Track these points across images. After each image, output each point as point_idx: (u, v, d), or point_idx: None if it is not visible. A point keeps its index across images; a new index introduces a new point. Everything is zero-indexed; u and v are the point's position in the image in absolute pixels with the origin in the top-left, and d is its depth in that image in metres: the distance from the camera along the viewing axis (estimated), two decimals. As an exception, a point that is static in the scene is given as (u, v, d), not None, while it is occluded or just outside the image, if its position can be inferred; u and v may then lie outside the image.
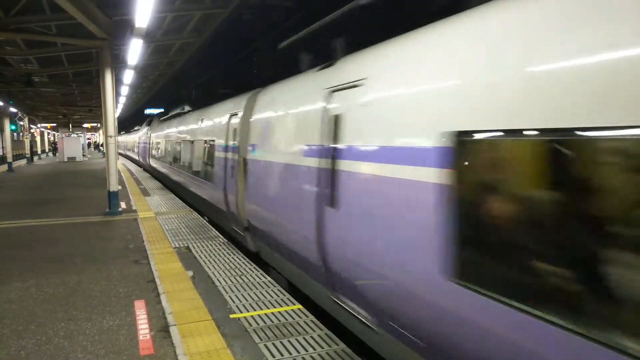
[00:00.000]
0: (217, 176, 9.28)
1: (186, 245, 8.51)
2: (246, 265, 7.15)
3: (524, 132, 2.60)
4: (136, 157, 32.13)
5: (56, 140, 58.59)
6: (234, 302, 5.60)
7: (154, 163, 21.68)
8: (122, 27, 11.26)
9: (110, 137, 11.86)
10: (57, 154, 47.72)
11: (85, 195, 15.69)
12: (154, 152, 21.90)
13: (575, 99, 2.36)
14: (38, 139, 54.98)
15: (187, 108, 18.26)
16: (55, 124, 49.24)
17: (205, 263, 7.31)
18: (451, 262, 3.03)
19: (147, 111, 43.54)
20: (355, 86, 4.45)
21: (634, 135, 2.14)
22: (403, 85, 3.76)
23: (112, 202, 11.81)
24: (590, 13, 2.50)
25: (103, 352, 4.41)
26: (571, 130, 2.36)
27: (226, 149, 8.75)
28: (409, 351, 3.70)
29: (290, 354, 4.31)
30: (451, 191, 3.03)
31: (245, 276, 6.62)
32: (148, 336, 4.72)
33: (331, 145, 4.70)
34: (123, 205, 12.96)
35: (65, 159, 37.97)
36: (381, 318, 4.00)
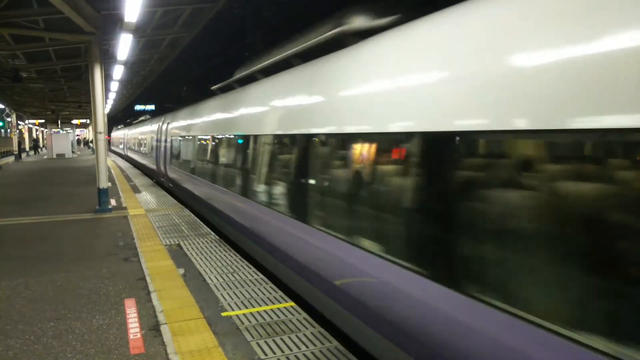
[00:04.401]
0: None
1: (177, 242, 8.45)
2: (238, 263, 7.10)
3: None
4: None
5: (37, 136, 57.71)
6: (225, 300, 5.55)
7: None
8: (111, 21, 11.09)
9: (100, 133, 11.72)
10: (38, 151, 46.97)
11: (74, 192, 15.53)
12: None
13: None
14: (26, 135, 54.24)
15: None
16: (43, 120, 48.63)
17: (197, 260, 7.25)
18: (169, 160, 15.83)
19: (138, 107, 43.14)
20: (169, 122, 16.36)
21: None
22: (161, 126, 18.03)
23: (102, 200, 11.68)
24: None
25: (93, 351, 4.35)
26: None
27: None
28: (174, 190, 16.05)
29: (283, 352, 4.28)
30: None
31: (237, 273, 6.58)
32: (138, 335, 4.67)
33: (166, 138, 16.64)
34: (113, 202, 12.83)
35: (54, 156, 37.52)
36: (168, 182, 16.59)
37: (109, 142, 55.65)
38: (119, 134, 47.01)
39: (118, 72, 17.04)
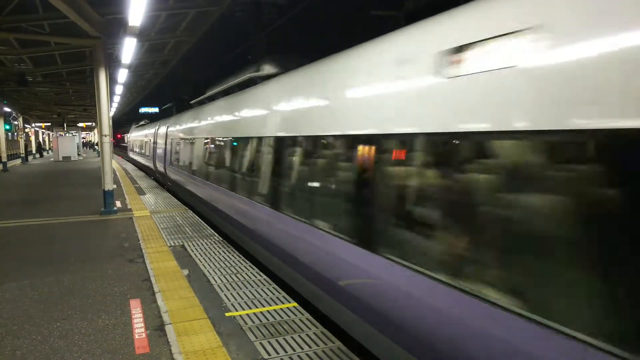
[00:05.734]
0: None
1: (181, 243, 8.52)
2: (241, 264, 7.16)
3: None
4: None
5: (43, 139, 58.03)
6: (229, 301, 5.61)
7: None
8: (115, 25, 11.21)
9: (105, 136, 11.83)
10: (43, 154, 47.08)
11: (80, 194, 15.65)
12: None
13: None
14: (33, 138, 54.67)
15: None
16: (49, 123, 48.98)
17: (201, 261, 7.31)
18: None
19: (142, 110, 43.24)
20: None
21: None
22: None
23: (107, 201, 11.78)
24: None
25: (99, 351, 4.41)
26: None
27: None
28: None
29: (286, 352, 4.33)
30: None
31: (241, 274, 6.63)
32: (144, 335, 4.73)
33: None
34: (118, 204, 12.92)
35: (60, 158, 37.81)
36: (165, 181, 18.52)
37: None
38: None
39: (122, 75, 17.17)
